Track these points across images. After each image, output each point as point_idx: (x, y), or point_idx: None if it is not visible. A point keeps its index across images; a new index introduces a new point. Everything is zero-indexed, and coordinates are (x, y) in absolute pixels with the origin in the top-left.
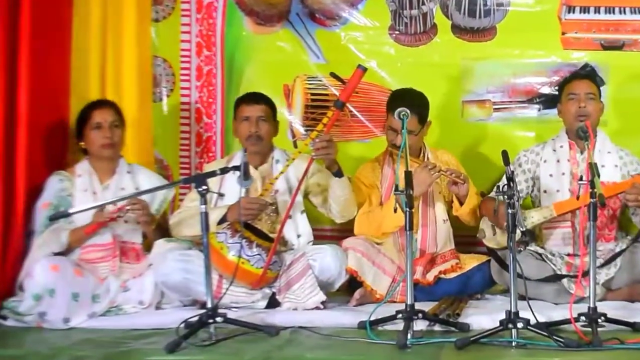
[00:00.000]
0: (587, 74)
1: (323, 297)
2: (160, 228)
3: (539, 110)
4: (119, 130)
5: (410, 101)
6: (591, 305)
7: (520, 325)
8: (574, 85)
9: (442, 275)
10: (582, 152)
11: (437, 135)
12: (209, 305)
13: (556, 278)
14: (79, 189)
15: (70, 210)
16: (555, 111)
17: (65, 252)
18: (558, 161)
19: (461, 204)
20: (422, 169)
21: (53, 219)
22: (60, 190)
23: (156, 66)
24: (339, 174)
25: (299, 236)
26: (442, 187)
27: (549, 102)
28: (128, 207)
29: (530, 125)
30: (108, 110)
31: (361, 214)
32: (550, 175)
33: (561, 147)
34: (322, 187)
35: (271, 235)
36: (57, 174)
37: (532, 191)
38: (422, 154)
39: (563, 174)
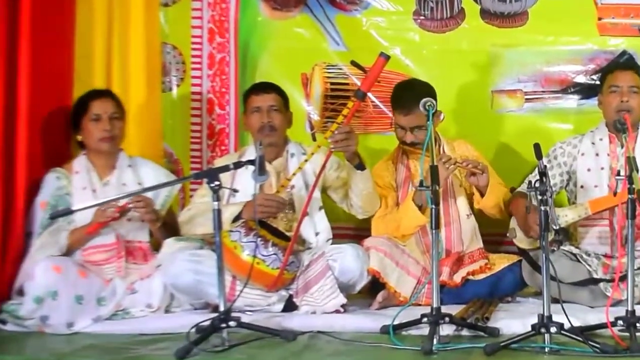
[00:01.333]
0: (631, 65)
1: (343, 300)
2: (166, 225)
3: (578, 100)
4: (119, 122)
5: (417, 92)
6: (629, 309)
7: (553, 329)
8: (616, 77)
9: (470, 277)
10: (622, 146)
11: (464, 128)
12: (222, 308)
13: (592, 282)
14: (78, 187)
15: (74, 208)
16: (593, 101)
17: (65, 254)
18: (597, 155)
19: (482, 195)
20: (436, 162)
21: (54, 217)
22: (58, 189)
23: (165, 54)
24: (360, 166)
25: (317, 234)
26: (461, 179)
27: (586, 91)
28: (130, 205)
29: (565, 116)
30: (108, 101)
31: (377, 217)
32: (588, 170)
33: (600, 140)
34: (342, 181)
35: (288, 233)
36: (53, 171)
37: (567, 185)
38: (437, 147)
39: (602, 168)
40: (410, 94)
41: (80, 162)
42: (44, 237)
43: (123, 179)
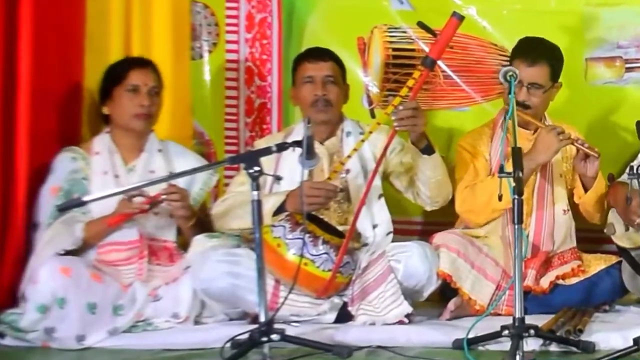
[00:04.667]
0: None
1: (409, 309)
2: (200, 223)
3: None
4: (157, 99)
5: (544, 49)
6: None
7: None
8: None
9: (560, 281)
10: None
11: (552, 104)
12: (262, 318)
13: None
14: (97, 171)
15: (85, 198)
16: None
17: (78, 251)
18: None
19: (586, 189)
20: (548, 131)
21: (63, 209)
22: (73, 172)
23: (195, 13)
24: (428, 150)
25: (374, 226)
26: (564, 169)
27: None
28: (164, 196)
29: None
30: (150, 73)
31: (464, 187)
32: None
33: None
34: (406, 166)
35: (341, 228)
36: (68, 151)
37: None
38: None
39: None
40: (542, 46)
41: (102, 142)
42: (55, 227)
43: (151, 165)
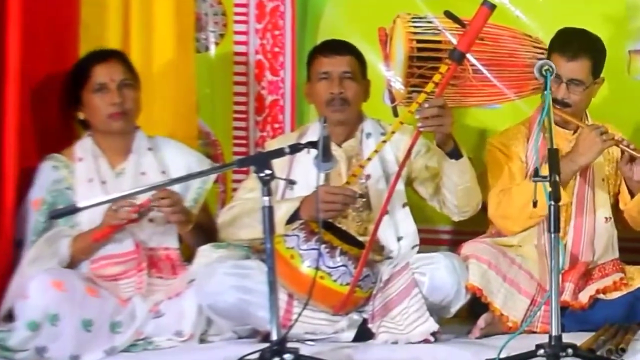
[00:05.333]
0: None
1: (435, 326)
2: (201, 228)
3: None
4: (131, 91)
5: (586, 41)
6: None
7: None
8: None
9: (601, 295)
10: None
11: (593, 100)
12: (274, 337)
13: None
14: (82, 179)
15: (80, 205)
16: None
17: (69, 267)
18: None
19: (632, 195)
20: (590, 130)
21: (55, 216)
22: (56, 182)
23: (200, 2)
24: (455, 153)
25: (399, 239)
26: (606, 173)
27: None
28: (153, 203)
29: None
30: (114, 64)
31: (499, 191)
32: None
33: None
34: (431, 171)
35: (361, 238)
36: (49, 159)
37: None
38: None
39: None
40: (582, 39)
41: (84, 146)
42: (39, 246)
43: (142, 166)
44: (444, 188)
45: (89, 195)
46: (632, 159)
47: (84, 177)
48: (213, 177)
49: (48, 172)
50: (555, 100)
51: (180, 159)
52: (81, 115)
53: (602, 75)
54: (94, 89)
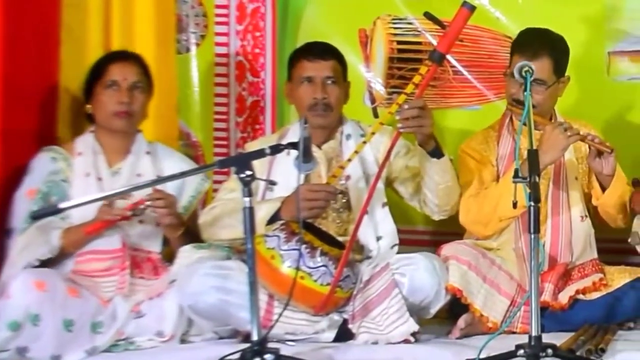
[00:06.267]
0: None
1: (415, 327)
2: (189, 233)
3: None
4: (141, 95)
5: (546, 41)
6: None
7: None
8: None
9: (581, 296)
10: None
11: (572, 99)
12: (255, 337)
13: None
14: (79, 172)
15: (62, 205)
16: None
17: (55, 260)
18: None
19: (604, 189)
20: (553, 128)
21: (36, 217)
22: (52, 174)
23: (181, 3)
24: (437, 153)
25: (378, 238)
26: (579, 171)
27: None
28: (148, 202)
29: None
30: (131, 66)
31: (468, 196)
32: None
33: None
34: (412, 171)
35: (341, 239)
36: (48, 150)
37: None
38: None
39: None
40: (542, 38)
41: (85, 142)
42: (29, 233)
43: (138, 168)
44: (425, 187)
45: (84, 190)
46: (599, 153)
47: (82, 172)
48: (206, 186)
49: (46, 163)
50: (517, 101)
51: (175, 167)
52: (89, 109)
53: (567, 74)
54: (106, 84)
